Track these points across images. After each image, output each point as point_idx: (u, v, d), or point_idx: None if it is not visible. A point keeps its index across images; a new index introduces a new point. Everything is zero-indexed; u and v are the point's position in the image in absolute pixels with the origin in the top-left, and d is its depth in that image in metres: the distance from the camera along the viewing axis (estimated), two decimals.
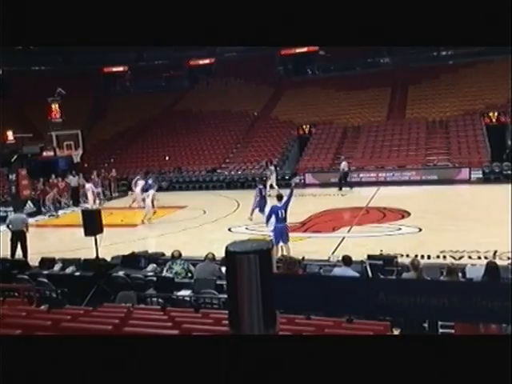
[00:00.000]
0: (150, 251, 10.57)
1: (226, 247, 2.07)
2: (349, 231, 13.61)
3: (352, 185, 21.78)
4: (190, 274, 8.49)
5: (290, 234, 11.00)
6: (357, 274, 7.29)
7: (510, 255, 9.68)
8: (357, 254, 8.81)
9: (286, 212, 10.68)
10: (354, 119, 28.97)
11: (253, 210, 14.81)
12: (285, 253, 10.44)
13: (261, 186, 15.40)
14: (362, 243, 11.65)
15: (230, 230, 14.34)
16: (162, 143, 30.87)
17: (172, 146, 30.42)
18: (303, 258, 9.17)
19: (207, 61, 39.50)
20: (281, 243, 10.57)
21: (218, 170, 27.30)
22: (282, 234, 10.55)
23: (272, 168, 21.88)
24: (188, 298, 7.44)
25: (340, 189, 21.45)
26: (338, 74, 34.06)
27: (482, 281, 5.84)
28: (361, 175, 23.64)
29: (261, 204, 14.43)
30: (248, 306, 1.97)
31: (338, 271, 7.44)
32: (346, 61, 34.68)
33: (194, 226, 15.72)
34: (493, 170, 21.89)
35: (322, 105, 30.68)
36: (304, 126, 29.10)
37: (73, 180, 22.48)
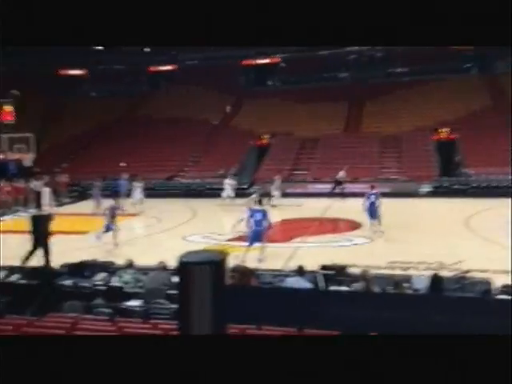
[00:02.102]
0: (99, 259, 10.25)
1: (179, 257, 2.02)
2: (303, 241, 13.73)
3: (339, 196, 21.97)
4: (140, 284, 8.28)
5: (246, 244, 11.33)
6: (309, 285, 7.34)
7: (456, 266, 10.06)
8: (310, 264, 8.89)
9: (265, 216, 11.30)
10: (312, 131, 29.43)
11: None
12: (259, 253, 11.11)
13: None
14: (315, 253, 11.77)
15: (184, 238, 14.15)
16: (118, 149, 30.19)
17: (128, 153, 29.82)
18: (257, 268, 9.15)
19: (168, 67, 39.16)
20: (256, 244, 11.17)
21: (176, 178, 26.99)
22: (257, 236, 11.16)
23: (276, 178, 21.76)
24: (138, 308, 7.24)
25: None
26: (298, 87, 34.60)
27: (430, 294, 6.01)
28: (317, 186, 24.03)
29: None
30: (198, 318, 1.93)
31: (291, 281, 7.46)
32: (306, 74, 35.32)
33: (147, 234, 15.40)
34: (441, 185, 22.77)
35: (281, 116, 30.99)
36: (263, 137, 29.30)
37: (37, 185, 21.59)
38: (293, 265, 8.84)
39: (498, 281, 8.44)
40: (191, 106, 33.17)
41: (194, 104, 33.32)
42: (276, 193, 20.89)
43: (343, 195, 22.00)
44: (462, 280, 7.93)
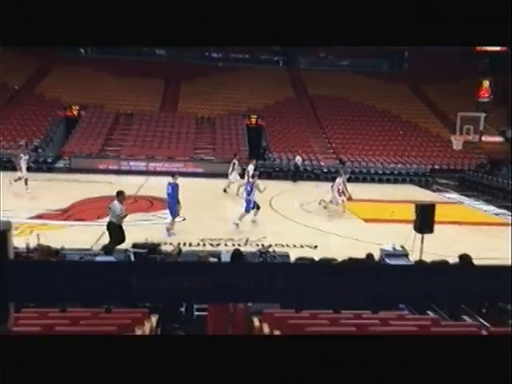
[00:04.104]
0: None
1: None
2: None
3: (296, 179, 22.91)
4: None
5: (51, 222, 11.22)
6: None
7: (260, 242, 10.93)
8: (122, 243, 8.63)
9: (174, 189, 11.55)
10: (128, 106, 28.40)
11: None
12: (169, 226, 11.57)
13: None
14: (128, 231, 11.44)
15: None
16: None
17: None
18: (62, 248, 8.48)
19: None
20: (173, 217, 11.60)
21: None
22: (169, 208, 11.78)
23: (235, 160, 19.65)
24: None
25: (294, 181, 22.75)
26: (113, 58, 32.83)
27: (230, 262, 6.33)
28: (131, 163, 23.40)
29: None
30: None
31: (99, 260, 7.10)
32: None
33: None
34: None
35: (93, 87, 29.08)
36: (73, 107, 27.15)
37: None
38: (103, 244, 8.44)
39: (294, 253, 9.50)
40: None
41: None
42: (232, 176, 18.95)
43: (295, 178, 22.98)
44: (264, 254, 8.63)
